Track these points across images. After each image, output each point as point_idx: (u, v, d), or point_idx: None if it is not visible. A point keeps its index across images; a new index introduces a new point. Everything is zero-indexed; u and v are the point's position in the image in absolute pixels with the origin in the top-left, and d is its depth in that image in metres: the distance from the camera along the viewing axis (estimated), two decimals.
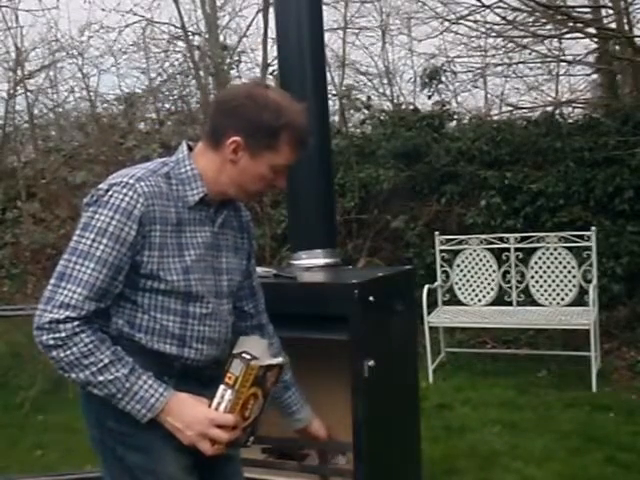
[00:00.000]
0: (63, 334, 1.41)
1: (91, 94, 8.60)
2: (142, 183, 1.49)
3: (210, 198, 1.58)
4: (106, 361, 1.44)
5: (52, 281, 1.46)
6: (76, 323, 1.42)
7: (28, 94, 8.29)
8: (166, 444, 1.53)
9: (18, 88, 8.12)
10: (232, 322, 1.71)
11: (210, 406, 1.50)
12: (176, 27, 8.62)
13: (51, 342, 1.42)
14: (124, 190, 1.47)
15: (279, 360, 1.59)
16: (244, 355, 1.51)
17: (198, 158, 1.59)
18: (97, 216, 1.46)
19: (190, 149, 1.61)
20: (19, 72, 8.14)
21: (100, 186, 1.50)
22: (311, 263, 2.69)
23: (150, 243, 1.49)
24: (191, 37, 8.61)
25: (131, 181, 1.48)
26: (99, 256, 1.44)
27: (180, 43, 8.74)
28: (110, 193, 1.47)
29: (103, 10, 10.61)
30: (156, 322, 1.53)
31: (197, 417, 1.48)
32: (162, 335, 1.54)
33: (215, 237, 1.62)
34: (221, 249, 1.64)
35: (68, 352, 1.42)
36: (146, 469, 1.55)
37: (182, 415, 1.48)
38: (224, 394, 1.49)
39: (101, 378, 1.44)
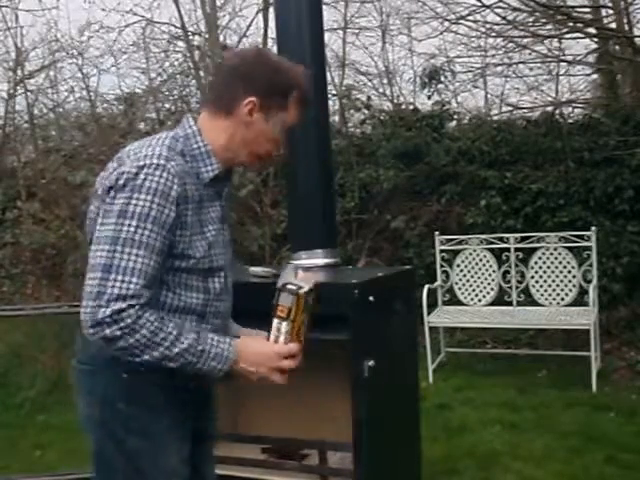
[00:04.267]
0: (129, 320, 1.39)
1: (91, 94, 8.59)
2: (172, 163, 1.47)
3: (221, 172, 1.59)
4: (175, 332, 1.44)
5: (96, 274, 1.41)
6: (137, 307, 1.40)
7: (28, 94, 8.26)
8: (171, 433, 1.55)
9: (18, 88, 8.09)
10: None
11: (269, 340, 1.56)
12: (176, 27, 8.59)
13: (117, 333, 1.39)
14: (157, 172, 1.44)
15: (314, 282, 1.63)
16: (289, 287, 1.56)
17: (207, 130, 1.59)
18: (134, 201, 1.42)
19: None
20: (19, 72, 8.12)
21: (125, 169, 1.46)
22: (311, 263, 2.69)
23: (182, 222, 1.48)
24: (191, 37, 8.59)
25: (162, 162, 1.45)
26: (146, 242, 1.42)
27: (180, 43, 8.72)
28: (142, 176, 1.43)
29: (103, 10, 10.58)
30: (180, 300, 1.53)
31: (266, 355, 1.54)
32: (184, 312, 1.54)
33: (223, 210, 1.64)
34: (225, 221, 1.66)
35: (138, 336, 1.40)
36: (147, 455, 1.53)
37: (252, 357, 1.53)
38: (279, 327, 1.55)
39: (176, 350, 1.44)
